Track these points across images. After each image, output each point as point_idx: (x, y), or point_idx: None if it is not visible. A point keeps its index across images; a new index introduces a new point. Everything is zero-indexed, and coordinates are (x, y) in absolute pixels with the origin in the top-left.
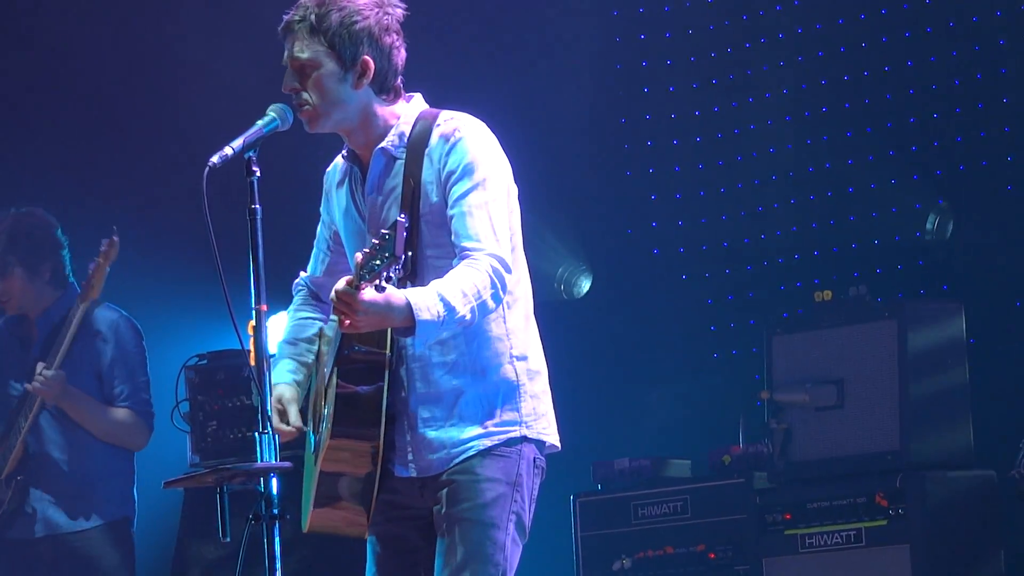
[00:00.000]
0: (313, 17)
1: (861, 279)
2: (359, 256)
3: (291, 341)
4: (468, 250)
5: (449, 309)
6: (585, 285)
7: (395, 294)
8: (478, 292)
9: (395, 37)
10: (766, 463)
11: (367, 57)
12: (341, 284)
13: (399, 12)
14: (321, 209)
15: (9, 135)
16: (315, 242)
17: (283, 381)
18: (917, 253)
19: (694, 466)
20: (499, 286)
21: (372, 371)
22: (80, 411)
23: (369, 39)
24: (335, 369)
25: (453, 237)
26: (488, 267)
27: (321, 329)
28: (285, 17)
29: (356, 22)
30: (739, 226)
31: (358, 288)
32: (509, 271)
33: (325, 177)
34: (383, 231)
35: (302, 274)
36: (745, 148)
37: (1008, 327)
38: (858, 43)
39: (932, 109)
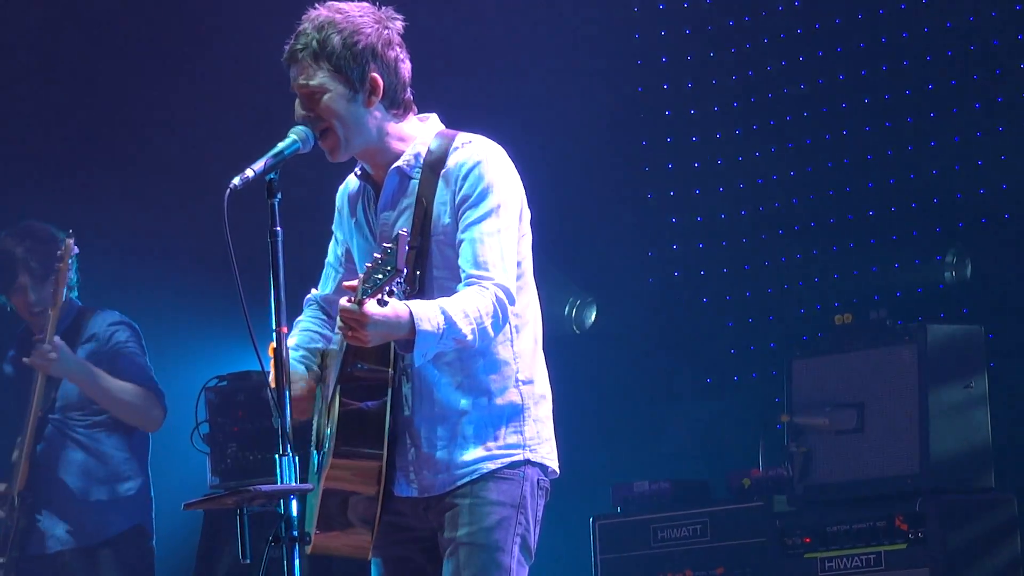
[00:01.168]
0: (315, 43)
1: (881, 302)
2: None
3: (295, 347)
4: (475, 278)
5: (449, 323)
6: (591, 316)
7: (398, 306)
8: (480, 316)
9: (398, 50)
10: (786, 486)
11: (375, 75)
12: (344, 300)
13: (399, 24)
14: (333, 227)
15: (28, 156)
16: (326, 260)
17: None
18: (937, 276)
19: (713, 489)
20: (500, 316)
21: (375, 389)
22: (87, 379)
23: (373, 56)
24: (338, 387)
25: (461, 261)
26: (493, 296)
27: (325, 349)
28: (287, 46)
29: (358, 41)
30: (760, 249)
31: (361, 303)
32: (512, 303)
33: (338, 195)
34: (385, 245)
35: (313, 291)
36: (765, 171)
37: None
38: (878, 66)
39: (953, 133)
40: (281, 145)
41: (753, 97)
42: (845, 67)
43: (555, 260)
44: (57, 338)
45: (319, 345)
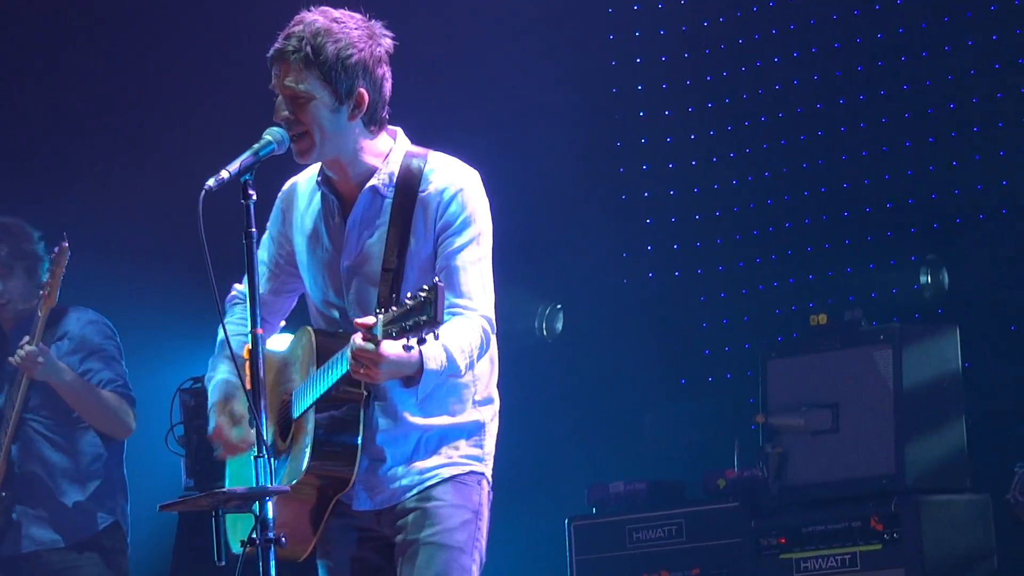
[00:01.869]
0: (309, 48)
1: (856, 303)
2: (369, 319)
3: (229, 357)
4: (460, 307)
5: (451, 361)
6: (560, 323)
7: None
8: (472, 350)
9: (385, 68)
10: (761, 487)
11: (362, 90)
12: (359, 339)
13: (388, 42)
14: (270, 226)
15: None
16: (258, 258)
17: (231, 394)
18: (912, 277)
19: (689, 490)
20: (485, 347)
21: (348, 410)
22: (68, 386)
23: (364, 71)
24: (312, 406)
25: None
26: (481, 329)
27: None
28: (276, 45)
29: (351, 55)
30: (734, 249)
31: (379, 342)
32: (494, 332)
33: (282, 196)
34: (420, 292)
35: (237, 287)
36: (740, 172)
37: (1003, 351)
38: (852, 67)
39: (927, 134)
40: (256, 146)
41: (727, 98)
42: (819, 68)
43: (528, 262)
44: (43, 344)
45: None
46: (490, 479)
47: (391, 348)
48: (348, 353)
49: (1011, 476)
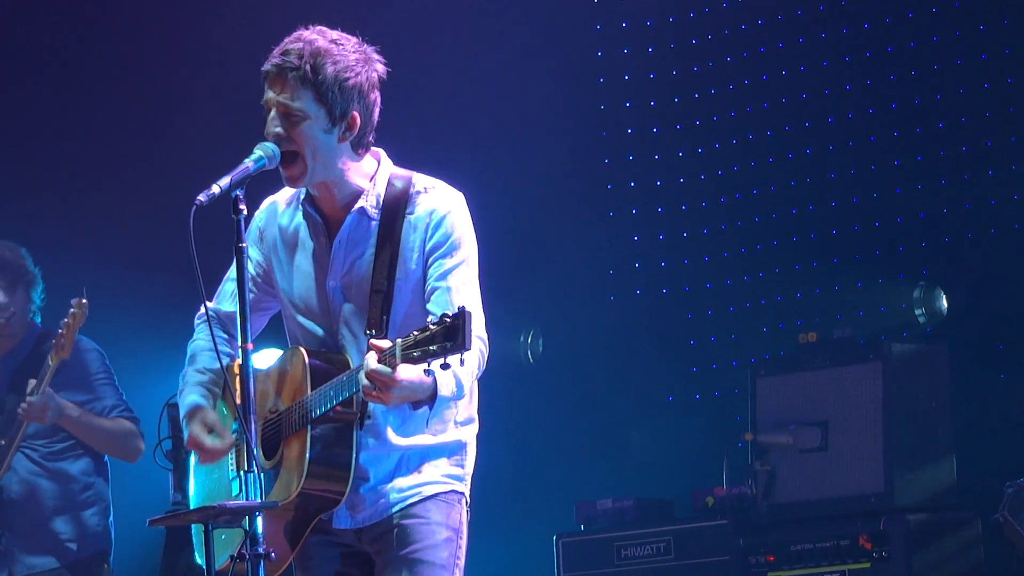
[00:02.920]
0: (308, 67)
1: (845, 321)
2: (383, 343)
3: (201, 370)
4: None
5: (459, 387)
6: (540, 345)
7: (423, 373)
8: (474, 373)
9: (377, 94)
10: (750, 505)
11: (355, 113)
12: (374, 361)
13: (382, 68)
14: (247, 245)
15: None
16: (228, 276)
17: (203, 404)
18: (900, 295)
19: (677, 507)
20: (482, 368)
21: (341, 430)
22: (77, 422)
23: (359, 95)
24: (308, 427)
25: (435, 307)
26: (479, 351)
27: (231, 365)
28: (274, 60)
29: (349, 78)
30: (722, 267)
31: (395, 366)
32: (488, 350)
33: (260, 216)
34: (446, 317)
35: (209, 305)
36: (729, 190)
37: (991, 369)
38: (841, 86)
39: (916, 153)
40: (247, 161)
41: (715, 116)
42: (808, 87)
43: (514, 282)
44: (47, 390)
45: (219, 364)
46: (468, 499)
47: (407, 372)
48: (361, 376)
49: (1000, 495)
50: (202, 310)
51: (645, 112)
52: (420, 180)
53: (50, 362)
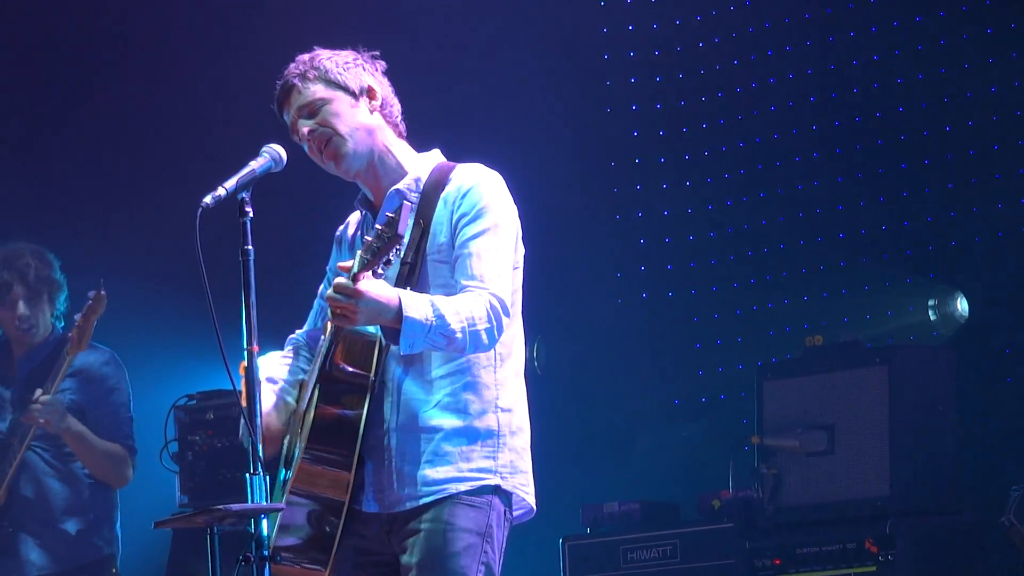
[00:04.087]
0: (307, 69)
1: (851, 324)
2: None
3: (272, 379)
4: (470, 287)
5: (439, 317)
6: (543, 355)
7: (390, 290)
8: (472, 318)
9: (387, 80)
10: (756, 508)
11: (371, 85)
12: (339, 279)
13: (382, 64)
14: (328, 266)
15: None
16: (317, 299)
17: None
18: (907, 299)
19: (683, 510)
20: (495, 324)
21: (354, 393)
22: (77, 439)
23: (366, 70)
24: (317, 387)
25: (457, 275)
26: (487, 302)
27: (304, 381)
28: (279, 83)
29: (348, 62)
30: (729, 270)
31: (355, 278)
32: (507, 314)
33: (336, 235)
34: (388, 214)
35: (297, 332)
36: (735, 193)
37: (997, 373)
38: (848, 88)
39: (923, 156)
40: (253, 163)
41: (722, 119)
42: (815, 90)
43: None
44: (59, 397)
45: (295, 377)
46: (511, 492)
47: (369, 284)
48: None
49: (1006, 498)
50: (295, 334)
51: (651, 115)
52: (461, 165)
53: (66, 355)
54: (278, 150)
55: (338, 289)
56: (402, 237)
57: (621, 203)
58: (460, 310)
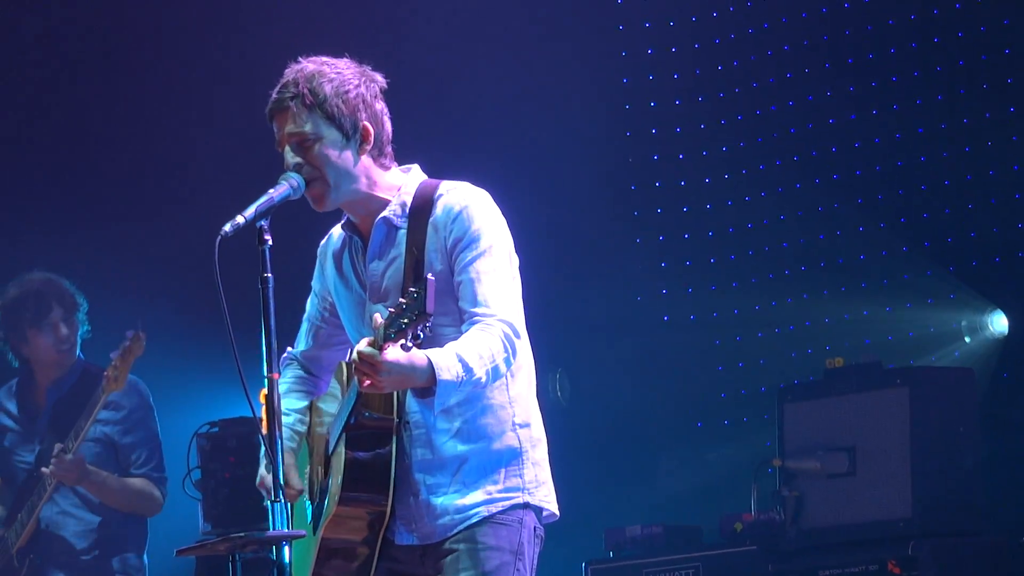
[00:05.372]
0: (306, 91)
1: (872, 346)
2: (378, 317)
3: (285, 412)
4: (479, 315)
5: (468, 370)
6: (568, 386)
7: (417, 354)
8: (492, 356)
9: (383, 104)
10: (778, 531)
11: (366, 123)
12: (363, 345)
13: (381, 80)
14: (313, 282)
15: (19, 200)
16: (304, 317)
17: (288, 450)
18: (928, 320)
19: (706, 533)
20: (510, 351)
21: (380, 438)
22: (100, 488)
23: (364, 105)
24: (343, 436)
25: (461, 303)
26: (500, 332)
27: (312, 402)
28: (272, 98)
29: (348, 90)
30: (750, 293)
31: (382, 348)
32: (519, 336)
33: (319, 250)
34: (411, 289)
35: (289, 349)
36: (756, 216)
37: (1019, 394)
38: (868, 111)
39: (943, 177)
40: (271, 192)
41: (743, 142)
42: (835, 111)
43: (540, 312)
44: (80, 455)
45: (303, 404)
46: (539, 506)
47: (393, 353)
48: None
49: None
50: (286, 352)
51: (671, 138)
52: (445, 184)
53: (101, 394)
54: (297, 178)
55: (364, 358)
56: (430, 315)
57: (641, 226)
58: (482, 353)
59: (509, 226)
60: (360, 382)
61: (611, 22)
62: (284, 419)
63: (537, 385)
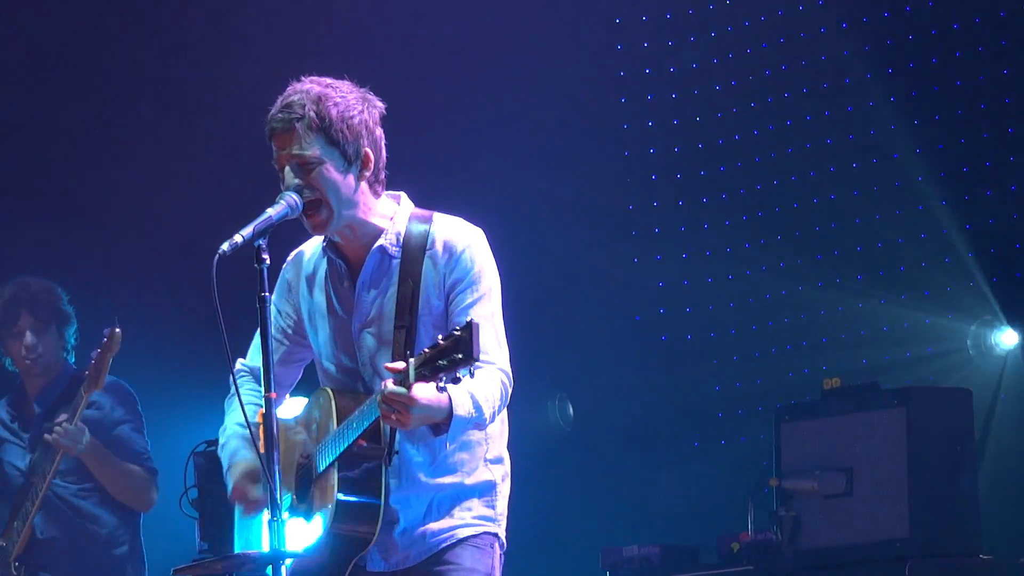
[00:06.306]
0: (312, 113)
1: (869, 366)
2: (400, 364)
3: (242, 423)
4: (480, 363)
5: (478, 409)
6: (570, 410)
7: (439, 394)
8: (494, 401)
9: (381, 131)
10: (775, 551)
11: (367, 150)
12: (390, 383)
13: (380, 106)
14: (275, 299)
15: (15, 215)
16: (258, 330)
17: (247, 456)
18: (925, 340)
19: (703, 553)
20: (504, 400)
21: (371, 468)
22: (101, 463)
23: (367, 132)
24: (336, 464)
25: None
26: (500, 380)
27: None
28: (277, 116)
29: (353, 116)
30: (747, 313)
31: (410, 386)
32: (511, 386)
33: (287, 267)
34: (455, 331)
35: (242, 361)
36: (753, 235)
37: (1013, 416)
38: (865, 131)
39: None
40: (270, 211)
41: (739, 161)
42: (837, 132)
43: (539, 334)
44: (82, 424)
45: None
46: (503, 541)
47: (423, 392)
48: (378, 399)
49: None
50: (238, 365)
51: (670, 157)
52: (440, 217)
53: (83, 393)
54: (295, 198)
55: (392, 398)
56: (476, 360)
57: (639, 246)
58: (489, 397)
59: (506, 252)
60: (385, 416)
61: (611, 40)
62: (240, 430)
63: (537, 410)
